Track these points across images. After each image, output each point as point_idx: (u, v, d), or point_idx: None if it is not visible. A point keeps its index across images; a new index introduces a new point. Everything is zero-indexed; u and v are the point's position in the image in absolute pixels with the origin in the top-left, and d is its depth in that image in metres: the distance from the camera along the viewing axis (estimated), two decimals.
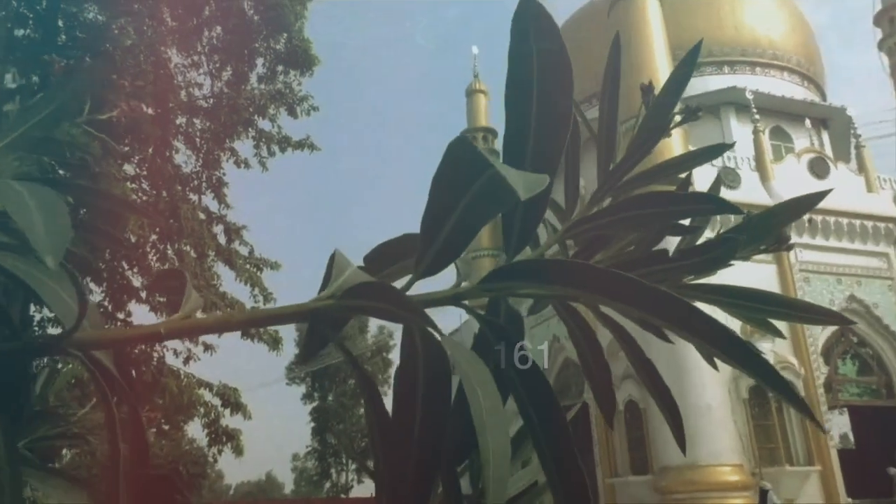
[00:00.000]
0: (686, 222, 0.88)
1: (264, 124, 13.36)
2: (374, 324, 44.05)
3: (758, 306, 0.69)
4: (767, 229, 0.71)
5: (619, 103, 0.73)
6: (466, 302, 0.67)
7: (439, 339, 0.53)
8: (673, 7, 25.37)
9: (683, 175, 0.78)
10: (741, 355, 0.52)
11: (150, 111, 11.32)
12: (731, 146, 0.82)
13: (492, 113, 33.61)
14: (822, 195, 0.71)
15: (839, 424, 22.69)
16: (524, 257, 0.74)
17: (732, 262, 0.70)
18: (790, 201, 0.72)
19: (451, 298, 0.66)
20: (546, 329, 20.76)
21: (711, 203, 0.64)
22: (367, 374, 0.65)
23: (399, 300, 0.56)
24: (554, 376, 24.15)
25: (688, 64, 0.74)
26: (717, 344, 0.52)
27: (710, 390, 19.09)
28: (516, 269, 0.63)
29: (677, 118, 0.75)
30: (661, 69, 22.98)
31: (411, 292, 0.67)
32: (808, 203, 0.71)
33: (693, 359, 19.60)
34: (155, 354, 12.07)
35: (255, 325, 0.66)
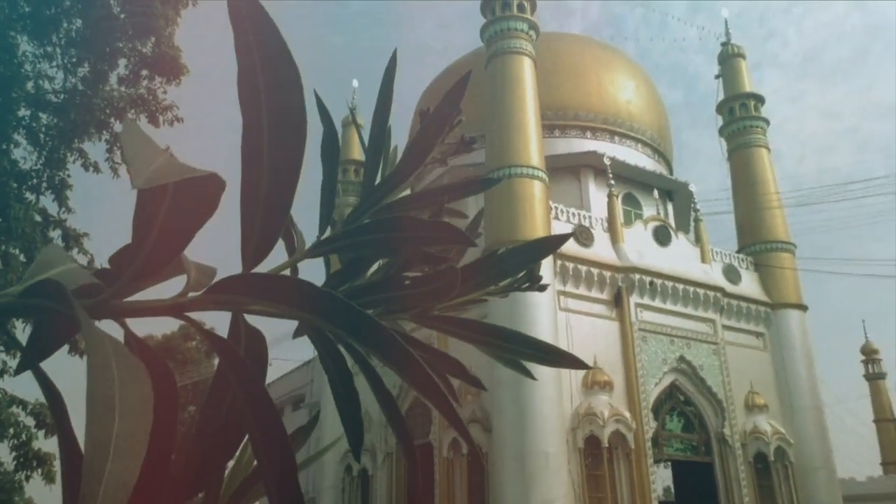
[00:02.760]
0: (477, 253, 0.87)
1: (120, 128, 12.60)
2: None
3: (505, 345, 0.68)
4: (515, 266, 0.71)
5: (389, 121, 0.71)
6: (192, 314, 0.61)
7: (100, 343, 0.47)
8: (545, 70, 26.82)
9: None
10: (426, 386, 0.50)
11: None
12: (492, 183, 0.82)
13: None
14: (563, 238, 0.72)
15: (663, 477, 24.15)
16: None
17: (487, 297, 0.69)
18: (536, 241, 0.72)
19: (169, 308, 0.59)
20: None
21: (448, 233, 0.62)
22: (58, 395, 0.57)
23: (65, 302, 0.49)
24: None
25: (455, 94, 0.73)
26: (412, 378, 0.50)
27: (548, 438, 19.74)
28: (245, 281, 0.59)
29: (449, 148, 0.74)
30: (530, 124, 24.14)
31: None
32: (551, 245, 0.72)
33: (535, 405, 20.21)
34: None
35: None
